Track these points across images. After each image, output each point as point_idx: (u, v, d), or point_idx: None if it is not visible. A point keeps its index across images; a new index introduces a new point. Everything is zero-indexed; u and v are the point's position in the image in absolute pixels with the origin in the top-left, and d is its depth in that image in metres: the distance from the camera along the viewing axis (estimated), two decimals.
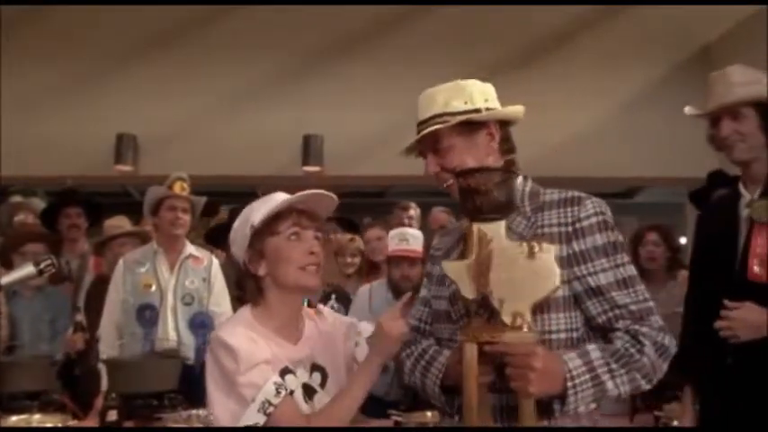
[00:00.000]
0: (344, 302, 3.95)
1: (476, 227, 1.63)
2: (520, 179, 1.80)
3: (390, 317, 1.78)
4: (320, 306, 2.01)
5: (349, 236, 4.35)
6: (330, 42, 6.51)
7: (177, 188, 3.75)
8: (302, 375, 1.79)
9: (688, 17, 6.28)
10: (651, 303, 1.67)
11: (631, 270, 1.69)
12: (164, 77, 6.37)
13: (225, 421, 1.70)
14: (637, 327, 1.63)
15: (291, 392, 1.73)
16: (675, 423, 2.90)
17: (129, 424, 3.04)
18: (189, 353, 3.52)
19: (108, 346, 3.51)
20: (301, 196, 1.81)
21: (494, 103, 1.82)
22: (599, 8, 6.36)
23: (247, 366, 1.69)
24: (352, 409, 1.76)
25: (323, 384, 1.83)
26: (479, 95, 1.79)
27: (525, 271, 1.56)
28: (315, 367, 1.85)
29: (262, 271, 1.80)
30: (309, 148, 6.52)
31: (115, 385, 3.01)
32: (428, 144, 1.77)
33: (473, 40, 6.48)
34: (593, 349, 1.61)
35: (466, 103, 1.76)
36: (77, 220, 4.51)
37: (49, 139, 6.17)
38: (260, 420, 1.66)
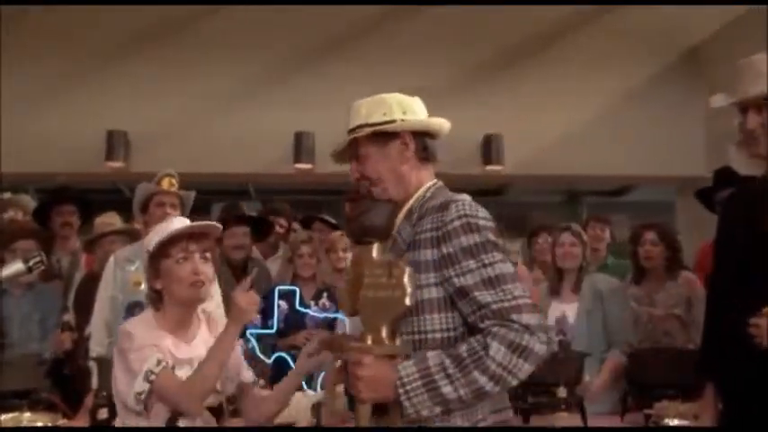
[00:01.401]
0: (335, 300, 3.96)
1: (354, 249, 1.84)
2: (425, 186, 1.89)
3: (240, 291, 2.15)
4: (210, 315, 2.39)
5: (339, 232, 4.36)
6: (322, 41, 6.53)
7: (165, 184, 3.74)
8: (185, 372, 2.13)
9: (676, 18, 6.31)
10: (521, 302, 1.68)
11: (501, 269, 1.71)
12: (155, 75, 6.36)
13: (124, 394, 2.09)
14: (494, 328, 1.65)
15: (173, 367, 2.10)
16: (666, 422, 2.91)
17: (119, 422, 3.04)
18: None
19: (98, 344, 3.49)
20: (188, 227, 2.23)
21: (413, 115, 1.92)
22: (589, 8, 6.38)
23: (139, 346, 2.09)
24: (218, 368, 2.11)
25: None
26: (398, 108, 1.91)
27: (385, 290, 1.69)
28: None
29: (159, 285, 2.22)
30: (301, 146, 6.52)
31: (105, 383, 2.98)
32: (351, 152, 1.93)
33: (464, 39, 6.50)
34: (433, 355, 1.67)
35: (384, 114, 1.89)
36: (70, 217, 4.49)
37: (40, 136, 6.15)
38: (145, 388, 2.05)
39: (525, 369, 1.65)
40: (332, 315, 3.92)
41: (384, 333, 1.69)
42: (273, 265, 4.64)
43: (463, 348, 1.66)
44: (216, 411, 2.23)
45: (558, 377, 3.06)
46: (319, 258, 4.16)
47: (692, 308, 3.73)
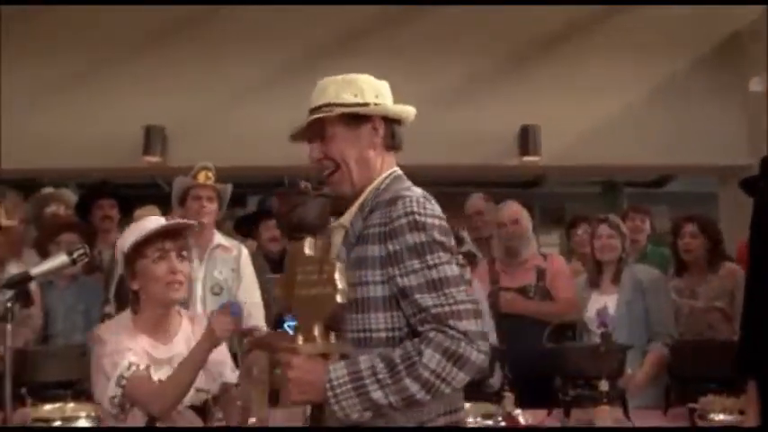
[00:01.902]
0: None
1: (289, 245, 1.86)
2: (382, 176, 1.83)
3: (219, 314, 2.16)
4: (196, 315, 2.42)
5: None
6: (356, 30, 6.48)
7: (202, 177, 3.77)
8: (164, 373, 2.15)
9: (716, 3, 6.17)
10: (462, 307, 1.63)
11: (445, 271, 1.66)
12: (192, 68, 6.38)
13: (101, 398, 2.11)
14: (431, 334, 1.61)
15: (148, 367, 2.11)
16: (712, 416, 2.86)
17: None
18: None
19: None
20: (163, 226, 2.21)
21: (384, 100, 1.87)
22: None
23: (111, 351, 2.11)
24: (188, 377, 2.11)
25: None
26: (370, 91, 1.85)
27: (316, 287, 1.66)
28: None
29: (136, 286, 2.20)
30: None
31: None
32: (314, 131, 1.84)
33: (498, 30, 6.42)
34: (365, 359, 1.63)
35: (356, 96, 1.83)
36: (110, 211, 4.55)
37: (78, 133, 6.22)
38: (117, 392, 2.07)
39: (460, 378, 1.61)
40: None
41: (316, 332, 1.65)
42: None
43: (397, 353, 1.62)
44: (200, 410, 2.22)
45: (599, 370, 3.02)
46: None
47: (735, 300, 3.65)
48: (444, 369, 1.59)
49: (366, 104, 1.83)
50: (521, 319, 3.89)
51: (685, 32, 6.51)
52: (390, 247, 1.68)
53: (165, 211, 4.66)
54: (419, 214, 1.69)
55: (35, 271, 1.97)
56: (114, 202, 4.59)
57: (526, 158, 6.41)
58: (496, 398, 3.16)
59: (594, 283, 3.79)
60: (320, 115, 1.81)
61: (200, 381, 2.21)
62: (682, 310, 3.79)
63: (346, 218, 1.81)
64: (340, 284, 1.62)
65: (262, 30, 6.38)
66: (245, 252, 3.87)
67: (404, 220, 1.68)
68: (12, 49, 6.16)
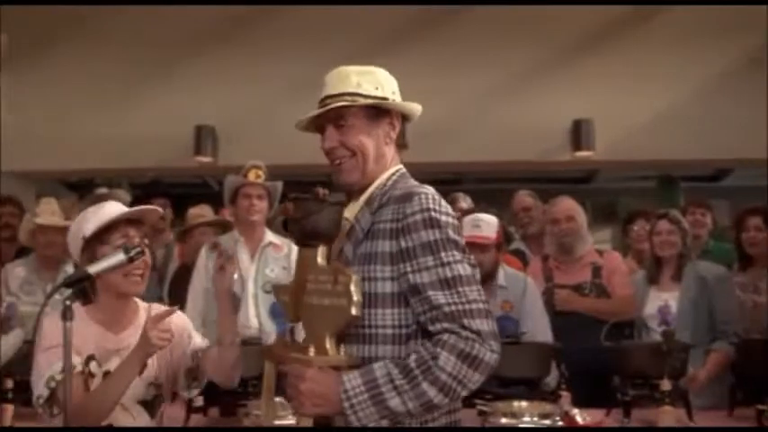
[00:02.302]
0: None
1: (298, 251, 1.77)
2: (389, 172, 1.81)
3: (152, 321, 2.00)
4: (153, 305, 2.27)
5: None
6: (391, 32, 6.42)
7: (252, 176, 3.80)
8: (113, 363, 2.06)
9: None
10: (474, 306, 1.61)
11: (458, 269, 1.64)
12: (242, 67, 6.41)
13: (35, 387, 1.99)
14: (444, 336, 1.59)
15: (85, 372, 2.01)
16: None
17: (213, 411, 3.08)
18: (270, 340, 3.53)
19: None
20: (127, 213, 2.10)
21: (398, 96, 1.85)
22: None
23: (47, 345, 1.98)
24: (116, 393, 1.99)
25: (141, 371, 2.08)
26: (388, 85, 1.83)
27: (330, 298, 1.63)
28: None
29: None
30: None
31: None
32: (330, 119, 1.79)
33: (549, 22, 6.31)
34: (380, 367, 1.60)
35: (377, 88, 1.80)
36: (163, 210, 4.60)
37: (131, 132, 6.30)
38: (44, 393, 1.96)
39: (475, 379, 1.59)
40: None
41: (327, 343, 1.61)
42: None
43: (412, 358, 1.59)
44: (149, 405, 2.15)
45: (661, 369, 2.92)
46: None
47: None
48: (460, 371, 1.57)
49: (386, 99, 1.81)
50: (576, 316, 3.80)
51: (740, 22, 6.30)
52: (403, 244, 1.66)
53: (217, 210, 4.72)
54: (434, 211, 1.67)
55: (93, 269, 1.96)
56: (167, 202, 4.63)
57: (579, 153, 6.29)
58: (552, 397, 3.10)
59: (653, 280, 3.70)
60: (345, 103, 1.77)
61: (152, 372, 2.14)
62: (745, 305, 3.67)
63: (350, 212, 1.78)
64: (356, 296, 1.59)
65: (312, 28, 6.38)
66: (295, 250, 3.86)
67: (419, 217, 1.66)
68: (67, 51, 6.30)
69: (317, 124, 1.85)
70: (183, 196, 4.89)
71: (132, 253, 2.00)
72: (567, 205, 4.08)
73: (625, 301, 3.81)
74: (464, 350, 1.57)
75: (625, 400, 2.99)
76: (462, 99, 6.18)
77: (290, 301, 1.75)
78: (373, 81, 1.81)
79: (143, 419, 2.13)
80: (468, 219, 3.64)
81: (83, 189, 6.13)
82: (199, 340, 2.26)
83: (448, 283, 1.62)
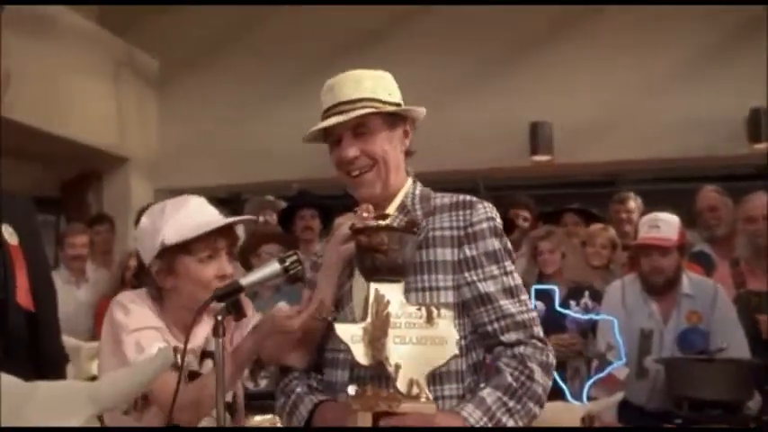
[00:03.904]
0: (598, 299, 3.64)
1: (373, 287, 1.60)
2: (409, 182, 1.78)
3: (287, 314, 1.74)
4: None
5: (601, 225, 4.04)
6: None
7: None
8: (191, 362, 1.82)
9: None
10: (535, 314, 1.70)
11: (518, 279, 1.71)
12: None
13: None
14: (521, 349, 1.65)
15: (177, 365, 1.61)
16: None
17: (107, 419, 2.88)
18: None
19: None
20: (223, 224, 1.84)
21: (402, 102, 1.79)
22: None
23: (136, 327, 1.75)
24: (228, 381, 1.68)
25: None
26: (396, 91, 1.77)
27: (422, 337, 1.57)
28: (206, 354, 1.88)
29: (168, 285, 1.82)
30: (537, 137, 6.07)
31: None
32: (348, 126, 1.70)
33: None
34: (489, 393, 1.62)
35: (390, 94, 1.74)
36: (312, 222, 4.55)
37: (279, 145, 6.30)
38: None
39: (549, 384, 1.67)
40: (595, 317, 3.54)
41: (425, 386, 1.56)
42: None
43: (507, 379, 1.63)
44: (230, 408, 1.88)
45: None
46: (564, 253, 3.87)
47: None
48: (546, 382, 1.66)
49: (399, 105, 1.75)
50: None
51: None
52: (468, 252, 1.68)
53: None
54: (498, 221, 1.72)
55: (245, 281, 1.76)
56: (315, 213, 4.56)
57: (757, 146, 5.69)
58: (755, 422, 2.72)
59: None
60: (371, 110, 1.69)
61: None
62: None
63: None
64: (456, 335, 1.58)
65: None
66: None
67: (485, 225, 1.69)
68: (216, 74, 6.46)
69: (327, 133, 1.74)
70: (333, 207, 4.80)
71: (288, 263, 1.79)
72: (764, 202, 3.62)
73: None
74: (543, 360, 1.66)
75: None
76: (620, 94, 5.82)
77: (363, 342, 1.58)
78: (386, 86, 1.75)
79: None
80: (645, 219, 3.44)
81: (232, 204, 6.22)
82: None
83: (512, 292, 1.68)
